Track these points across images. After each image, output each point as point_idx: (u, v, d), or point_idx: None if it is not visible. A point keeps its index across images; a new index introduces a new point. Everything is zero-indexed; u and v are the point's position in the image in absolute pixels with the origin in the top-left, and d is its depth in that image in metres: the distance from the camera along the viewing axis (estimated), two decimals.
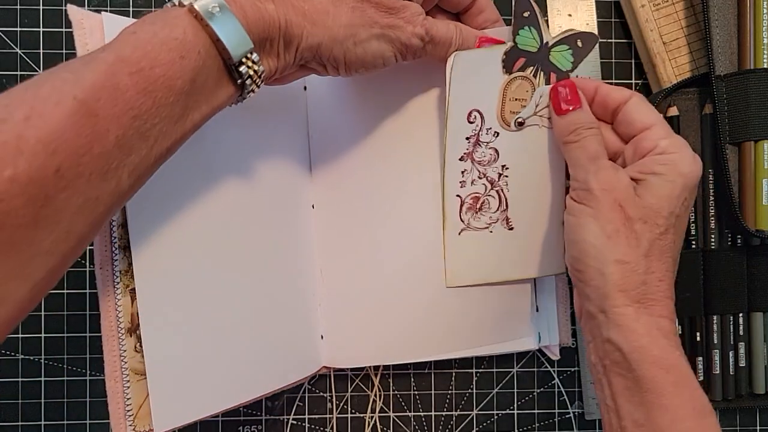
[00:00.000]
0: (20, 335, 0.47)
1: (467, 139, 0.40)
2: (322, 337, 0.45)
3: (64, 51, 0.47)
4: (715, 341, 0.47)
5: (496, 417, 0.50)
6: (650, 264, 0.34)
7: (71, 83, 0.26)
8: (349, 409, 0.49)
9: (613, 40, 0.50)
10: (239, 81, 0.32)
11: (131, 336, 0.36)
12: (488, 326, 0.44)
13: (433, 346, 0.44)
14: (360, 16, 0.34)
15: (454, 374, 0.50)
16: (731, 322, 0.47)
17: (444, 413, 0.49)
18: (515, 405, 0.50)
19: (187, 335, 0.38)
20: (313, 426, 0.49)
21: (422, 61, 0.39)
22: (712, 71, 0.44)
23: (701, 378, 0.47)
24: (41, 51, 0.47)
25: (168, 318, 0.37)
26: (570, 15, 0.49)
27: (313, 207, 0.45)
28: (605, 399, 0.35)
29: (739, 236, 0.47)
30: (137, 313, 0.36)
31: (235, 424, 0.48)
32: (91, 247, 0.45)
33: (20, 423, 0.47)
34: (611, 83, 0.48)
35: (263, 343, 0.41)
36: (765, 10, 0.44)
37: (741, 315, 0.47)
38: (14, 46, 0.47)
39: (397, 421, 0.49)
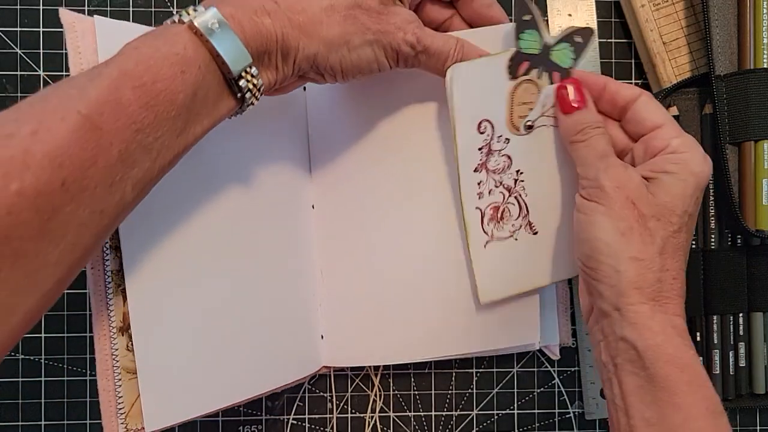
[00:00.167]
0: None
1: (480, 149, 0.40)
2: (322, 337, 0.45)
3: (63, 51, 0.47)
4: (715, 341, 0.47)
5: (496, 417, 0.50)
6: (665, 262, 0.34)
7: (76, 99, 0.27)
8: (349, 409, 0.49)
9: (613, 40, 0.50)
10: (239, 94, 0.33)
11: (123, 335, 0.36)
12: (492, 329, 0.43)
13: (433, 346, 0.44)
14: (352, 23, 0.35)
15: (454, 374, 0.50)
16: (731, 322, 0.47)
17: (444, 413, 0.49)
18: (515, 405, 0.50)
19: (180, 335, 0.38)
20: (313, 426, 0.49)
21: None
22: (712, 71, 0.44)
23: None
24: (41, 51, 0.47)
25: (159, 318, 0.37)
26: (570, 15, 0.49)
27: (313, 207, 0.45)
28: (614, 398, 0.35)
29: (739, 236, 0.47)
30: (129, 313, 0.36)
31: (235, 423, 0.48)
32: None
33: (20, 423, 0.47)
34: None
35: (262, 343, 0.41)
36: (765, 10, 0.44)
37: (741, 315, 0.47)
38: (14, 46, 0.47)
39: (397, 421, 0.49)
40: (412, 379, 0.49)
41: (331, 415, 0.49)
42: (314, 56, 0.34)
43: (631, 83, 0.50)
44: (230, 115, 0.34)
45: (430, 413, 0.49)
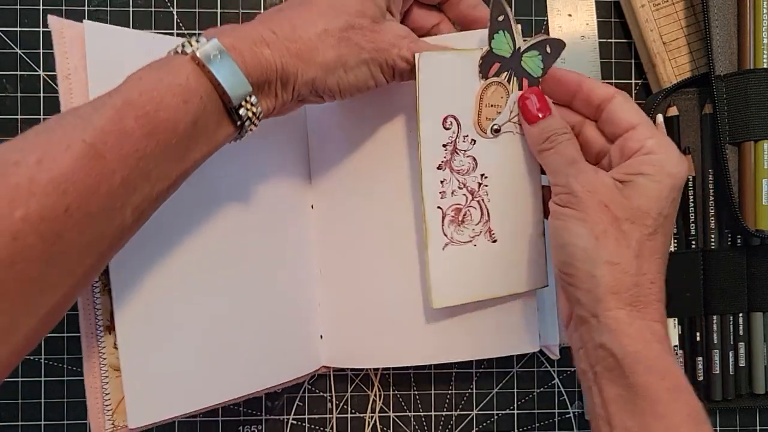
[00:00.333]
0: None
1: (444, 146, 0.39)
2: (321, 336, 0.45)
3: None
4: (715, 341, 0.47)
5: (496, 417, 0.50)
6: (641, 265, 0.33)
7: (81, 128, 0.28)
8: (349, 409, 0.49)
9: (613, 40, 0.50)
10: (239, 122, 0.33)
11: (110, 333, 0.37)
12: (491, 337, 0.43)
13: (431, 351, 0.43)
14: (347, 45, 0.35)
15: (454, 374, 0.50)
16: (731, 322, 0.47)
17: (444, 413, 0.49)
18: (515, 405, 0.50)
19: (169, 334, 0.38)
20: (313, 426, 0.49)
21: None
22: (712, 71, 0.44)
23: (701, 378, 0.47)
24: (41, 51, 0.47)
25: (145, 317, 0.37)
26: (570, 15, 0.49)
27: (312, 207, 0.45)
28: (595, 407, 0.34)
29: (739, 236, 0.47)
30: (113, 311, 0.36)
31: (235, 423, 0.48)
32: None
33: (20, 423, 0.47)
34: (611, 83, 0.49)
35: (258, 343, 0.41)
36: (765, 10, 0.44)
37: (741, 315, 0.47)
38: (14, 46, 0.47)
39: (397, 421, 0.49)
40: (412, 379, 0.49)
41: (330, 415, 0.49)
42: (312, 81, 0.35)
43: (631, 83, 0.50)
44: (229, 140, 0.35)
45: (430, 413, 0.49)
